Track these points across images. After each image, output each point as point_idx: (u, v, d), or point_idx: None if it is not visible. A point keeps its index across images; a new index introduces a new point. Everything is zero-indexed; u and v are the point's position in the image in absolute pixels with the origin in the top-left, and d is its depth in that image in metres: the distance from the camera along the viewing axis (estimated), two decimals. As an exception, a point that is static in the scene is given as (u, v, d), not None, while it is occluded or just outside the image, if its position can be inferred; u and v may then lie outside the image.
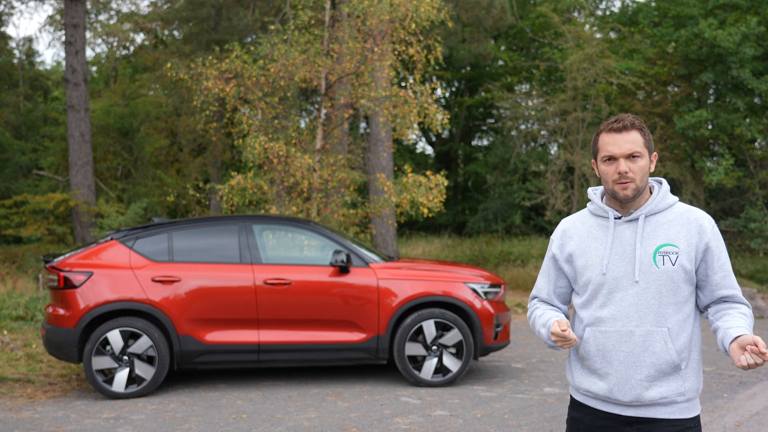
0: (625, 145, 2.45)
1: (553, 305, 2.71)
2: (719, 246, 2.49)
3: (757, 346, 2.23)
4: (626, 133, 2.46)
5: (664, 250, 2.44)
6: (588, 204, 2.65)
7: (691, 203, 17.11)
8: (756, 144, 19.23)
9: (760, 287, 14.87)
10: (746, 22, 15.99)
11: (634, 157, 2.46)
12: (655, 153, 2.55)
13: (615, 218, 2.53)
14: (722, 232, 17.96)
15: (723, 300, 2.51)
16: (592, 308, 2.52)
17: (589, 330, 2.52)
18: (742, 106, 16.31)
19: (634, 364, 2.44)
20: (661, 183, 2.58)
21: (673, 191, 17.87)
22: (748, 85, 16.12)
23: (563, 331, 2.40)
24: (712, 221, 2.51)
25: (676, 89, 18.73)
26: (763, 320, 11.98)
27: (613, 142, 2.47)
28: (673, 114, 17.60)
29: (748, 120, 17.04)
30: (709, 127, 16.82)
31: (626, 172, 2.44)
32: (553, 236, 2.70)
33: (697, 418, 2.51)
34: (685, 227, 2.47)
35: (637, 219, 2.49)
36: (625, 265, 2.47)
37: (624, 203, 2.50)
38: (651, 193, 2.55)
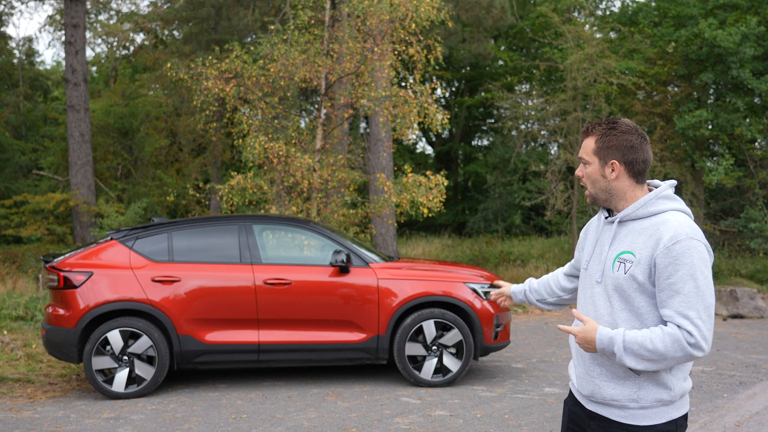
0: (581, 150, 2.54)
1: (561, 274, 2.99)
2: (674, 264, 2.29)
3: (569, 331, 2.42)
4: (585, 137, 2.53)
5: (623, 257, 2.43)
6: None
7: (691, 203, 17.11)
8: (756, 144, 19.23)
9: (760, 287, 14.87)
10: (746, 22, 15.99)
11: (583, 163, 2.53)
12: (614, 161, 2.45)
13: (604, 218, 2.59)
14: (722, 232, 17.97)
15: (664, 318, 2.33)
16: (577, 301, 2.69)
17: (576, 322, 2.62)
18: (742, 106, 16.32)
19: (590, 361, 2.50)
20: (656, 188, 2.51)
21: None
22: (748, 85, 16.13)
23: (499, 288, 2.93)
24: (676, 238, 2.31)
25: (676, 89, 18.73)
26: (763, 320, 11.98)
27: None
28: (673, 114, 17.60)
29: (748, 120, 17.04)
30: (709, 127, 16.82)
31: (580, 177, 2.54)
32: None
33: (657, 427, 2.40)
34: (649, 238, 2.38)
35: (614, 222, 2.54)
36: (598, 265, 2.54)
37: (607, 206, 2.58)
38: None
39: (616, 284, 2.42)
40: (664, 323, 2.36)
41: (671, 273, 2.31)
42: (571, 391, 2.71)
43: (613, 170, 2.46)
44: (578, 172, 2.53)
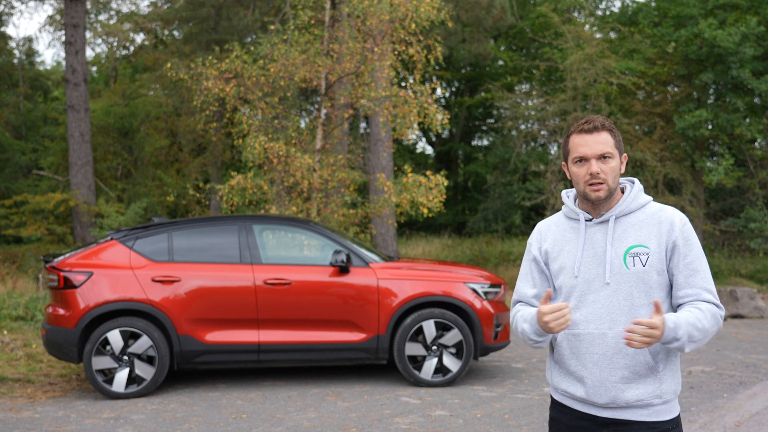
0: (597, 146, 2.43)
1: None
2: (688, 244, 2.42)
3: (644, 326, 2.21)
4: (597, 134, 2.45)
5: (634, 252, 2.42)
6: (563, 207, 2.64)
7: (691, 203, 17.11)
8: (756, 144, 19.24)
9: (760, 287, 14.87)
10: (746, 22, 15.99)
11: (605, 158, 2.44)
12: (625, 154, 2.53)
13: (586, 220, 2.52)
14: (722, 232, 17.98)
15: (686, 298, 2.41)
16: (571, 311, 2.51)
17: (563, 333, 2.51)
18: (742, 106, 16.32)
19: (608, 367, 2.42)
20: (633, 183, 2.55)
21: (673, 191, 17.87)
22: (748, 85, 16.13)
23: (559, 309, 2.32)
24: (684, 219, 2.46)
25: (676, 89, 18.74)
26: (763, 320, 11.98)
27: (584, 143, 2.45)
28: (673, 114, 17.61)
29: (748, 120, 17.05)
30: (709, 127, 16.82)
31: (598, 173, 2.42)
32: (530, 239, 2.68)
33: (675, 420, 2.47)
34: (656, 227, 2.44)
35: (607, 221, 2.48)
36: (597, 268, 2.46)
37: (596, 205, 2.49)
38: (623, 193, 2.53)
39: (637, 279, 2.40)
40: (674, 310, 2.44)
41: (686, 253, 2.42)
42: (565, 406, 2.58)
43: (622, 163, 2.51)
44: (595, 168, 2.42)
